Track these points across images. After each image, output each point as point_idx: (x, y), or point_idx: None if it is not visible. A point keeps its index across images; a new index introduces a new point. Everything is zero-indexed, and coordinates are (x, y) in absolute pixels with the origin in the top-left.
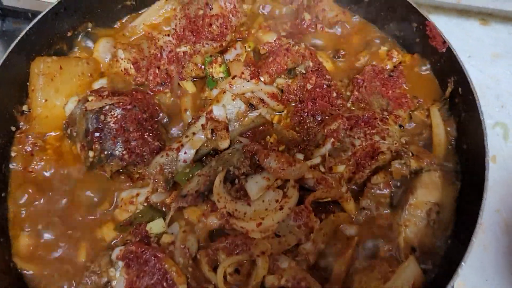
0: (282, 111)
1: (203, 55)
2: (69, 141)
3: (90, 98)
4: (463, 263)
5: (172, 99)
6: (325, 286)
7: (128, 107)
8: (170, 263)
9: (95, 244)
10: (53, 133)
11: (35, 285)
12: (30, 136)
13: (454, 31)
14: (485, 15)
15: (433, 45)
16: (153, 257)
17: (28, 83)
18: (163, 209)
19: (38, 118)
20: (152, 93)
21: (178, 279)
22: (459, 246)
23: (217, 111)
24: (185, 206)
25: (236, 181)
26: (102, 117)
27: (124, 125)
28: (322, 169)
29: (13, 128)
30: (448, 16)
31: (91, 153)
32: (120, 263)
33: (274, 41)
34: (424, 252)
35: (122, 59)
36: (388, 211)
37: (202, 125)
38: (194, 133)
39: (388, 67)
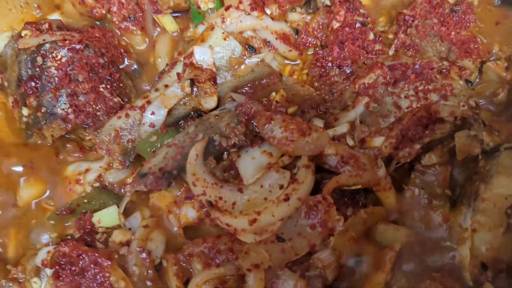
0: (296, 60)
1: None
2: (3, 94)
3: (24, 33)
4: None
5: (145, 40)
6: None
7: (77, 46)
8: (118, 274)
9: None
10: None
11: None
12: None
13: None
14: None
15: None
16: (92, 265)
17: None
18: (122, 190)
19: None
20: (117, 32)
21: None
22: None
23: (201, 54)
24: (143, 190)
25: (224, 155)
26: (39, 59)
27: (70, 72)
28: (351, 142)
29: None
30: None
31: (25, 111)
32: (48, 271)
33: None
34: (500, 272)
35: None
36: (446, 206)
37: (178, 74)
38: (166, 86)
39: (451, 1)
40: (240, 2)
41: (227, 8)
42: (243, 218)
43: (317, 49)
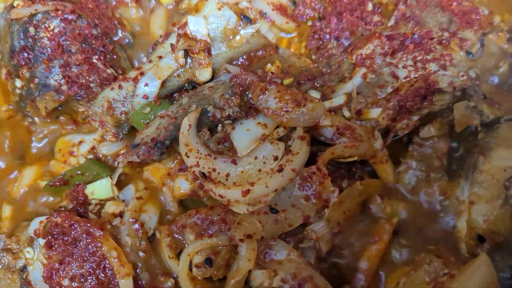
0: (293, 32)
1: None
2: None
3: (16, 3)
4: None
5: (140, 13)
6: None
7: (70, 17)
8: (110, 244)
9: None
10: None
11: None
12: None
13: None
14: None
15: None
16: (85, 235)
17: None
18: (116, 163)
19: None
20: (112, 3)
21: (120, 269)
22: None
23: (195, 25)
24: (136, 161)
25: (219, 127)
26: (31, 30)
27: (63, 42)
28: (347, 114)
29: None
30: None
31: (18, 82)
32: (40, 241)
33: None
34: (497, 245)
35: None
36: (444, 179)
37: (172, 45)
38: (160, 57)
39: None
40: None
41: None
42: (237, 189)
43: (315, 21)
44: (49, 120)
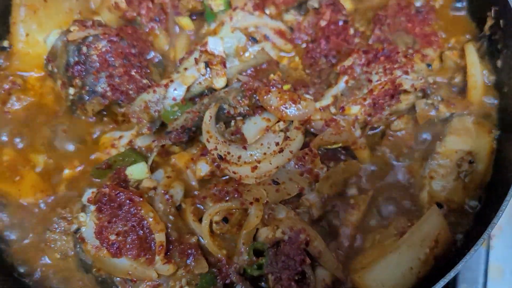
0: (291, 52)
1: None
2: (51, 80)
3: (72, 28)
4: (494, 222)
5: (167, 38)
6: (329, 243)
7: (114, 39)
8: (148, 208)
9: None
10: (34, 74)
11: None
12: (9, 74)
13: None
14: None
15: None
16: (128, 201)
17: (10, 17)
18: (148, 154)
19: (19, 54)
20: (145, 30)
21: (155, 226)
22: (494, 206)
23: (213, 44)
24: (168, 143)
25: (232, 123)
26: (84, 48)
27: (108, 58)
28: (333, 110)
29: None
30: None
31: (71, 90)
32: (92, 207)
33: None
34: (452, 210)
35: None
36: (411, 162)
37: (195, 59)
38: (186, 69)
39: (418, 4)
40: (245, 4)
41: (234, 9)
42: (247, 167)
43: (308, 43)
44: (94, 119)
